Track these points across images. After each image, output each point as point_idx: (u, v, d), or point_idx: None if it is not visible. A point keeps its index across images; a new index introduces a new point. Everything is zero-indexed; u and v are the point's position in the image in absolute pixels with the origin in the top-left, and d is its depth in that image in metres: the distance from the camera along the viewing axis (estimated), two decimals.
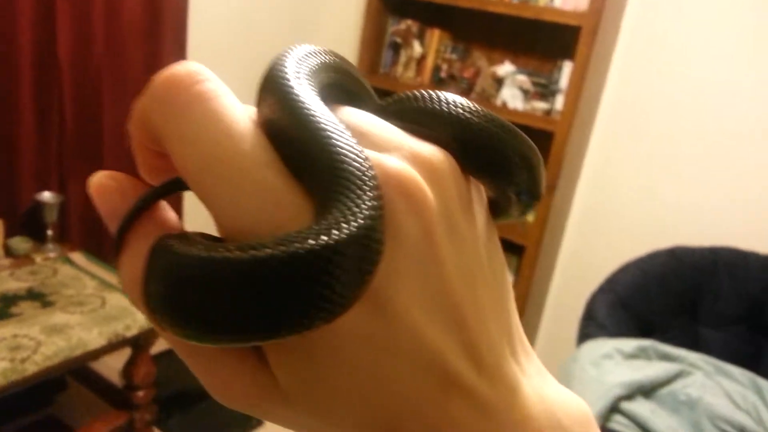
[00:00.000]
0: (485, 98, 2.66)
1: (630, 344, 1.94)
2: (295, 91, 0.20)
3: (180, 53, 2.45)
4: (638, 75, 2.52)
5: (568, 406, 0.23)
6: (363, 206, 0.18)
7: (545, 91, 2.61)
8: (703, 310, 2.23)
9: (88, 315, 1.77)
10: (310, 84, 0.21)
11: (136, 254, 0.20)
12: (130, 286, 0.20)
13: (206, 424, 2.34)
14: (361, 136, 0.21)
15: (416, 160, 0.20)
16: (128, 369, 1.91)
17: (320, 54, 0.23)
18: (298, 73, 0.21)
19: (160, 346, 2.10)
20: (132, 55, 2.33)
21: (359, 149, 0.19)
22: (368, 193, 0.18)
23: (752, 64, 2.31)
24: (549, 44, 2.63)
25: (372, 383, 0.19)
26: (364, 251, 0.17)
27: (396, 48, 2.87)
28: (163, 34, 2.36)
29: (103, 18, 2.19)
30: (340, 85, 0.23)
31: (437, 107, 0.23)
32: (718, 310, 2.21)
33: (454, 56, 2.79)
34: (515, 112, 2.55)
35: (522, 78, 2.61)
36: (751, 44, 2.29)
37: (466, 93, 2.71)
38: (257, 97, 0.21)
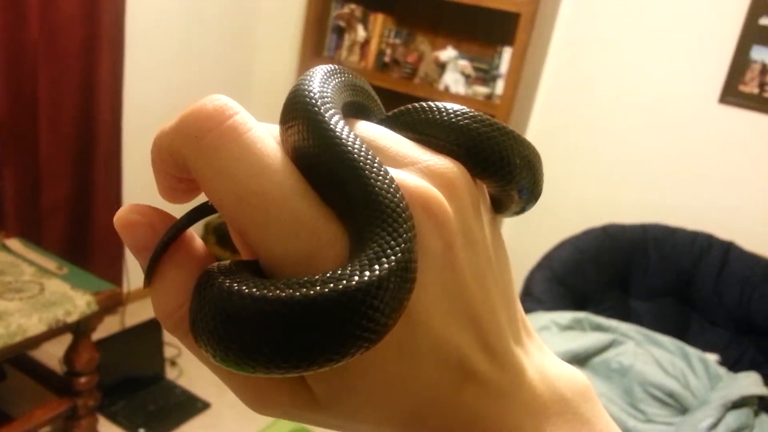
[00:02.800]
0: (428, 83, 2.70)
1: (566, 317, 2.02)
2: (325, 120, 0.20)
3: (118, 36, 2.40)
4: (575, 60, 2.61)
5: (568, 379, 0.24)
6: (400, 239, 0.19)
7: (486, 76, 2.67)
8: (634, 283, 2.34)
9: (27, 302, 1.73)
10: (334, 108, 0.21)
11: (170, 285, 0.21)
12: (164, 315, 0.21)
13: (151, 409, 2.32)
14: (378, 151, 0.22)
15: (433, 175, 0.22)
16: (69, 355, 1.88)
17: (338, 73, 0.24)
18: (324, 98, 0.21)
19: (101, 331, 2.07)
20: (68, 39, 2.27)
21: (389, 177, 0.20)
22: (404, 224, 0.19)
23: (684, 47, 2.42)
24: (490, 30, 2.69)
25: (398, 385, 0.21)
26: (404, 281, 0.19)
27: (340, 32, 2.88)
28: (99, 17, 2.30)
29: (38, 1, 2.13)
30: (355, 101, 0.25)
31: (443, 117, 0.24)
32: (648, 282, 2.32)
33: (397, 41, 2.82)
34: (457, 97, 2.61)
35: (464, 63, 2.66)
36: (683, 28, 2.41)
37: (409, 78, 2.74)
38: (282, 120, 0.22)
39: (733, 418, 1.77)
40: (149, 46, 2.63)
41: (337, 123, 0.21)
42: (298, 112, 0.21)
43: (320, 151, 0.20)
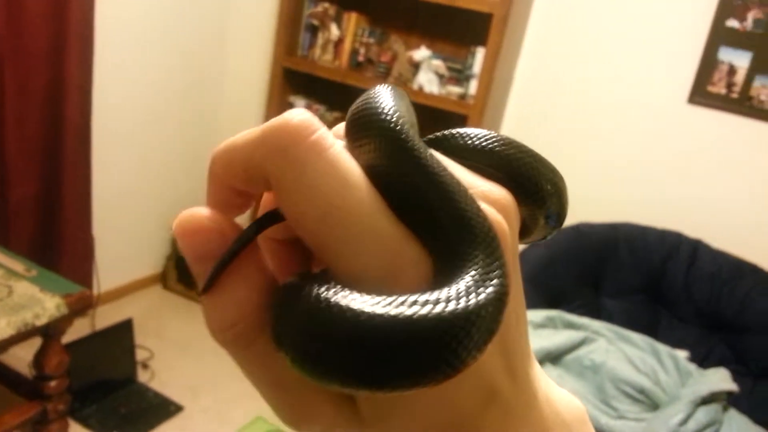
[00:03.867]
0: (402, 82, 2.71)
1: (539, 315, 2.04)
2: (410, 140, 0.20)
3: (87, 33, 2.36)
4: (547, 61, 2.64)
5: (567, 404, 0.25)
6: (495, 264, 0.19)
7: (460, 76, 2.68)
8: (606, 281, 2.38)
9: None
10: (413, 129, 0.21)
11: (232, 297, 0.21)
12: (222, 327, 0.21)
13: (123, 413, 2.29)
14: None
15: (490, 201, 0.22)
16: (39, 359, 1.84)
17: (401, 94, 0.24)
18: (402, 117, 0.21)
19: (71, 334, 2.03)
20: (35, 37, 2.22)
21: (476, 203, 0.20)
22: (497, 250, 0.19)
23: (654, 49, 2.46)
24: (463, 30, 2.70)
25: (437, 405, 0.21)
26: (499, 311, 0.18)
27: (313, 30, 2.87)
28: (67, 14, 2.26)
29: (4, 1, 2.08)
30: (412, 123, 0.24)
31: (481, 143, 0.24)
32: (619, 280, 2.36)
33: (371, 40, 2.81)
34: (431, 96, 2.61)
35: (437, 63, 2.67)
36: (653, 30, 2.44)
37: (383, 77, 2.74)
38: (355, 137, 0.21)
39: (703, 414, 1.80)
40: (119, 45, 2.59)
41: (419, 144, 0.20)
42: (376, 130, 0.21)
43: (406, 171, 0.20)
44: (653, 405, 1.93)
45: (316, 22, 2.82)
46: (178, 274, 3.14)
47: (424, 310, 0.17)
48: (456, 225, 0.20)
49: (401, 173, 0.20)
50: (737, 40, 2.32)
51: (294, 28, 2.84)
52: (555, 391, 0.25)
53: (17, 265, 1.89)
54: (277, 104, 2.89)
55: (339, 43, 2.84)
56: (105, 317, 2.67)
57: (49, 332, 1.81)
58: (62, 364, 1.86)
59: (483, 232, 0.20)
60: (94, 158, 2.53)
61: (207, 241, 0.21)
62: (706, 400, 1.85)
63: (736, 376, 2.10)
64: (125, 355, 2.47)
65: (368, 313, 0.17)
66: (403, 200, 0.20)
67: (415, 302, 0.17)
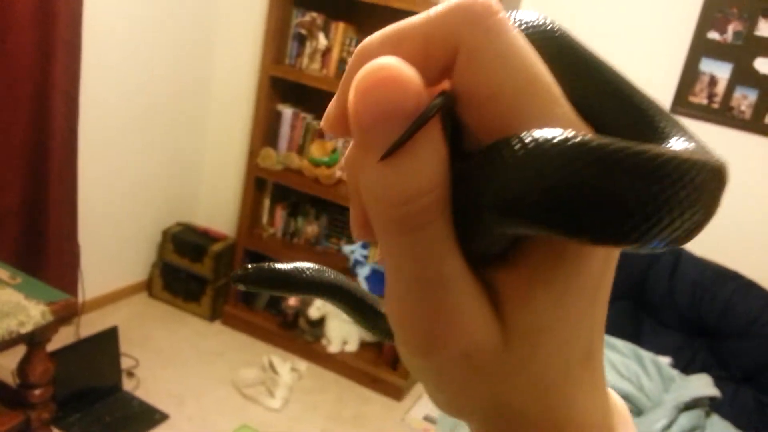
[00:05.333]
0: None
1: None
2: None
3: (74, 38, 2.35)
4: None
5: (615, 395, 0.25)
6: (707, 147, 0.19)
7: None
8: None
9: None
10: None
11: (424, 164, 0.18)
12: (405, 198, 0.18)
13: (108, 421, 2.27)
14: None
15: None
16: (23, 367, 1.83)
17: None
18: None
19: (56, 342, 2.02)
20: (20, 41, 2.21)
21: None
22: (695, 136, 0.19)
23: (637, 59, 2.50)
24: None
25: (581, 330, 0.21)
26: (721, 185, 0.18)
27: (301, 40, 2.88)
28: (54, 18, 2.25)
29: None
30: None
31: None
32: None
33: None
34: None
35: None
36: (635, 41, 2.49)
37: None
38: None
39: (686, 419, 1.82)
40: (107, 51, 2.59)
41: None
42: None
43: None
44: (637, 411, 1.95)
45: (304, 32, 2.84)
46: (164, 282, 3.13)
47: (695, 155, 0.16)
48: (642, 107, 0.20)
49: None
50: (718, 52, 2.37)
51: (282, 36, 2.86)
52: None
53: (2, 273, 1.88)
54: (264, 112, 2.90)
55: (327, 52, 2.86)
56: (90, 325, 2.65)
57: (34, 340, 1.79)
58: (47, 372, 1.85)
59: (670, 118, 0.20)
60: (80, 165, 2.52)
61: (404, 95, 0.18)
62: (689, 405, 1.87)
63: (719, 382, 2.12)
64: (110, 363, 2.45)
65: (654, 151, 0.16)
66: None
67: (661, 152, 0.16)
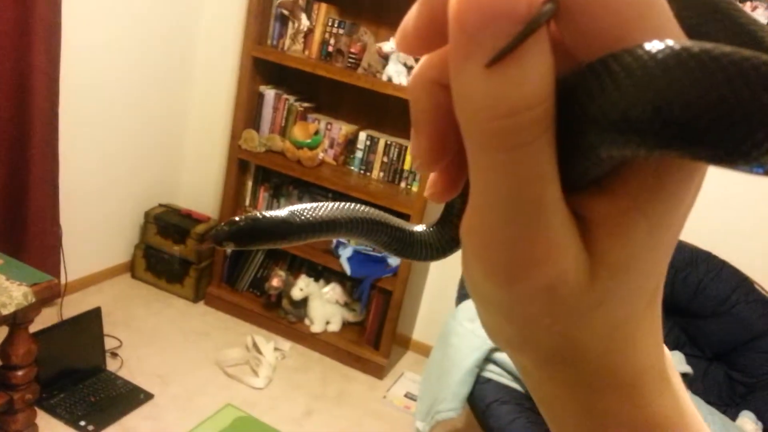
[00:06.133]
0: (371, 73, 2.73)
1: None
2: None
3: (54, 18, 2.33)
4: None
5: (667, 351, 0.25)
6: None
7: None
8: None
9: None
10: None
11: (538, 71, 0.16)
12: (513, 109, 0.16)
13: (92, 402, 2.29)
14: None
15: None
16: (5, 348, 1.83)
17: None
18: None
19: (39, 323, 2.03)
20: None
21: None
22: None
23: None
24: None
25: (659, 268, 0.21)
26: None
27: (283, 21, 2.87)
28: (33, 1, 2.23)
29: None
30: None
31: None
32: None
33: (341, 31, 2.83)
34: (400, 88, 2.64)
35: (406, 55, 2.69)
36: None
37: (353, 68, 2.76)
38: None
39: None
40: (87, 32, 2.57)
41: None
42: None
43: None
44: None
45: (286, 12, 2.83)
46: (147, 263, 3.13)
47: None
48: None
49: None
50: None
51: (264, 18, 2.84)
52: None
53: None
54: (246, 93, 2.89)
55: (309, 33, 2.86)
56: (73, 306, 2.66)
57: (17, 321, 1.80)
58: (30, 353, 1.86)
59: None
60: (61, 146, 2.51)
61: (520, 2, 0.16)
62: None
63: (691, 360, 2.19)
64: (94, 343, 2.46)
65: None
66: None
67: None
